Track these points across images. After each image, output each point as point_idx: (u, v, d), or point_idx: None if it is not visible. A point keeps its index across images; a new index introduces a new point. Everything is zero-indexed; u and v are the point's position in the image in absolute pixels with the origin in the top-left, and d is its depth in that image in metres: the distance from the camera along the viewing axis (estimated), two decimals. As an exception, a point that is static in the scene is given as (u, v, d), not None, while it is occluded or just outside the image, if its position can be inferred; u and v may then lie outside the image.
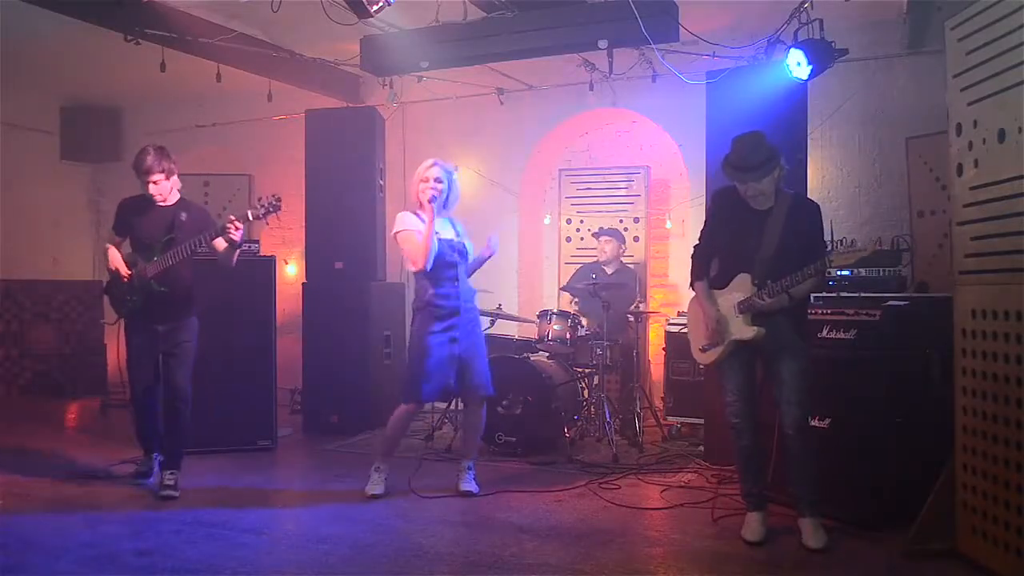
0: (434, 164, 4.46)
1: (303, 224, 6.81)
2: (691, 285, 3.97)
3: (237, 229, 4.31)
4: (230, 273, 4.61)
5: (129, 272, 4.45)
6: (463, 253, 4.51)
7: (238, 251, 4.49)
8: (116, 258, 4.51)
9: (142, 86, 7.75)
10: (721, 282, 3.83)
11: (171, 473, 4.54)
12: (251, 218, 4.37)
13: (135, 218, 4.52)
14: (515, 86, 7.19)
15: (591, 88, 6.69)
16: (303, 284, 6.59)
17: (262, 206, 4.37)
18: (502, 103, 7.21)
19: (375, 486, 4.49)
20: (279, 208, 4.38)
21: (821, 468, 3.72)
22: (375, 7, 4.65)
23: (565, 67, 6.73)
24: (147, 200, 4.49)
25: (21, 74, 7.52)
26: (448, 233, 4.50)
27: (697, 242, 3.99)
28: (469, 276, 4.62)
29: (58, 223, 8.98)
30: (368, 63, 6.07)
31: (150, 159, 4.41)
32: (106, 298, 4.71)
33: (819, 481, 3.71)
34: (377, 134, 6.62)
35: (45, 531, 3.88)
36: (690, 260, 3.99)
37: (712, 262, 3.92)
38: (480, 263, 4.68)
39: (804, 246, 3.62)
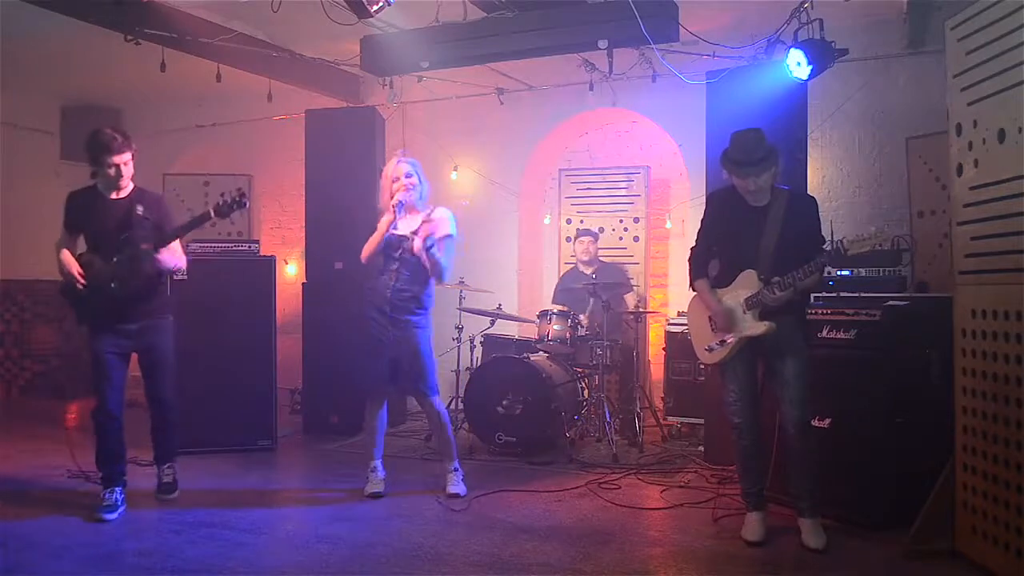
0: (400, 161, 4.48)
1: (303, 224, 6.81)
2: (691, 285, 3.96)
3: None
4: (230, 273, 4.53)
5: (83, 278, 4.06)
6: (407, 251, 4.37)
7: (178, 262, 4.21)
8: (69, 261, 4.09)
9: (142, 86, 7.74)
10: (724, 281, 3.83)
11: (168, 467, 4.49)
12: (213, 216, 4.08)
13: (86, 214, 4.15)
14: (515, 86, 7.19)
15: (591, 88, 6.68)
16: (303, 284, 6.59)
17: (225, 203, 4.07)
18: (502, 103, 7.21)
19: (374, 485, 4.49)
20: (244, 204, 4.09)
21: (821, 468, 3.72)
22: (375, 7, 4.65)
23: (565, 67, 6.72)
24: (96, 193, 4.18)
25: (21, 74, 7.52)
26: (407, 229, 4.42)
27: (693, 244, 3.98)
28: (431, 255, 4.31)
29: (59, 223, 8.98)
30: (368, 63, 6.07)
31: (120, 137, 4.10)
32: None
33: (819, 481, 3.71)
34: (377, 134, 6.61)
35: (45, 531, 3.89)
36: (687, 263, 3.99)
37: (711, 263, 3.92)
38: (432, 241, 4.34)
39: (804, 241, 3.65)
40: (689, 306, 4.08)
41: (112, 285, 4.06)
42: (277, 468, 5.41)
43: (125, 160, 4.13)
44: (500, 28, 5.52)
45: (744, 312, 3.71)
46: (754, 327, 3.67)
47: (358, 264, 6.42)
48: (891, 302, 4.03)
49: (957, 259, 3.49)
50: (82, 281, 4.06)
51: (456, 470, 4.58)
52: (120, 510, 4.16)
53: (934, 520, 3.53)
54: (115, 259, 4.08)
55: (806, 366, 3.70)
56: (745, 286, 3.72)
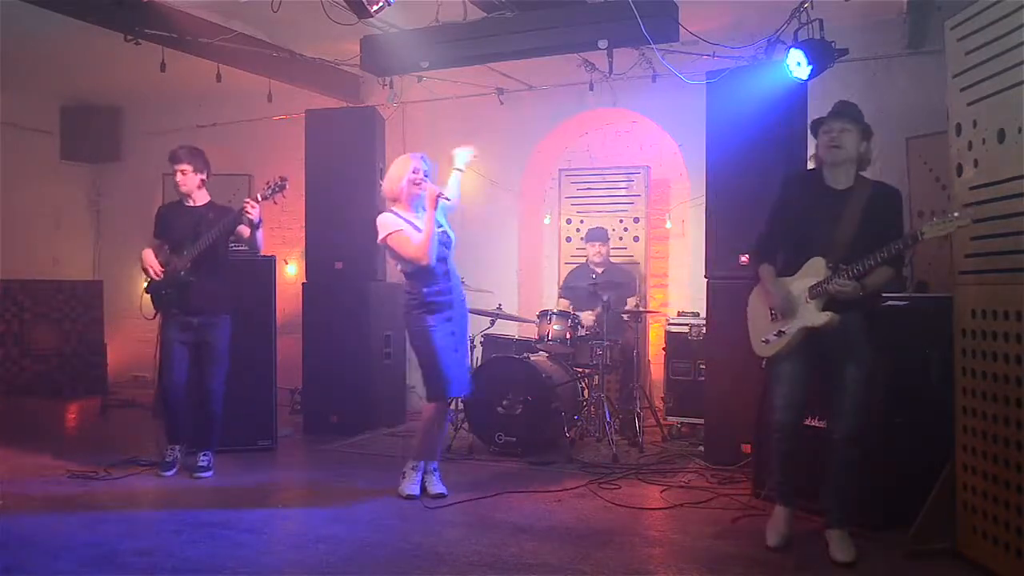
0: (412, 156, 4.45)
1: (303, 224, 6.81)
2: (756, 271, 3.70)
3: (253, 207, 4.67)
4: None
5: (161, 269, 4.80)
6: (448, 244, 4.46)
7: (260, 231, 4.84)
8: (149, 257, 4.84)
9: (142, 86, 7.74)
10: (791, 269, 3.57)
11: (204, 454, 4.94)
12: (260, 199, 4.72)
13: (169, 221, 4.92)
14: (515, 86, 7.19)
15: (591, 88, 6.68)
16: (303, 284, 6.59)
17: (268, 187, 4.76)
18: (502, 103, 7.21)
19: (411, 486, 4.45)
20: (284, 187, 4.77)
21: (820, 468, 3.65)
22: (375, 7, 4.65)
23: (565, 67, 6.72)
24: (178, 203, 4.94)
25: (21, 74, 7.51)
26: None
27: (762, 230, 3.73)
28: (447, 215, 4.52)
29: (58, 223, 8.98)
30: (368, 63, 6.07)
31: (183, 150, 4.88)
32: (146, 296, 4.97)
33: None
34: (377, 134, 6.61)
35: (45, 531, 3.88)
36: (753, 246, 3.76)
37: (778, 253, 3.67)
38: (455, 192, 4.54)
39: (883, 236, 3.33)
40: (751, 296, 3.81)
41: (181, 274, 4.76)
42: (277, 468, 5.41)
43: (183, 169, 4.86)
44: (500, 28, 5.52)
45: (807, 301, 3.45)
46: (814, 318, 3.40)
47: (358, 264, 6.51)
48: (891, 302, 4.03)
49: (957, 259, 3.49)
50: (159, 270, 4.79)
51: (437, 470, 4.57)
52: (174, 469, 4.92)
53: (934, 520, 3.53)
54: (185, 252, 4.77)
55: (868, 374, 3.45)
56: (812, 274, 3.46)
